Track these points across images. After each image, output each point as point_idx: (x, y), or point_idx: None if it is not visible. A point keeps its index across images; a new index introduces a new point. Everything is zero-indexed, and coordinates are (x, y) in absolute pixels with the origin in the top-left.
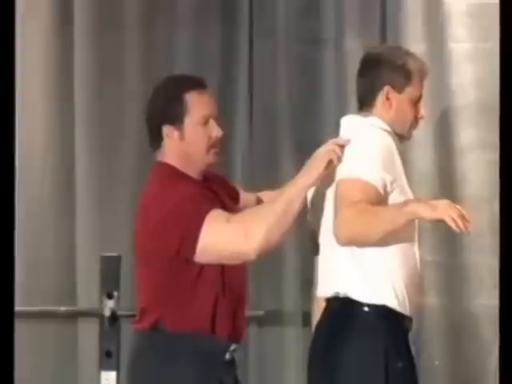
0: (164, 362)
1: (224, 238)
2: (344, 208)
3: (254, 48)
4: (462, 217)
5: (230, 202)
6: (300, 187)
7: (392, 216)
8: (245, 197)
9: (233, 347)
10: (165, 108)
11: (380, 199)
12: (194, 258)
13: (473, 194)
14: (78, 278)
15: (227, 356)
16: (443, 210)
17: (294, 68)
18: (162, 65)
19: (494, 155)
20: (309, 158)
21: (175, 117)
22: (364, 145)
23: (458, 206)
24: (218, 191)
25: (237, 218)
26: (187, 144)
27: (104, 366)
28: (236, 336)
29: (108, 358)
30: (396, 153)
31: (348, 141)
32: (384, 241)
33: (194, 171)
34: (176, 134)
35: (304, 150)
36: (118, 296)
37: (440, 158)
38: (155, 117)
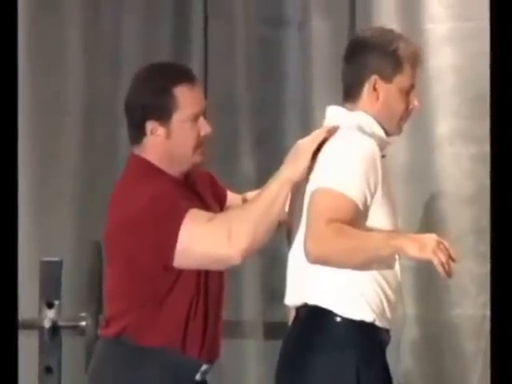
0: (125, 375)
1: (205, 240)
2: (320, 224)
3: (209, 27)
4: (450, 259)
5: (214, 204)
6: (283, 182)
7: (375, 246)
8: (232, 198)
9: (204, 367)
10: (151, 102)
11: (358, 214)
12: (171, 263)
13: (452, 191)
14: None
15: (197, 377)
16: (432, 251)
17: (254, 50)
18: (110, 44)
19: (477, 148)
20: (270, 150)
21: (162, 112)
22: (346, 153)
23: (445, 243)
24: (201, 191)
25: (219, 218)
26: (173, 143)
27: (44, 382)
28: (209, 355)
29: (48, 375)
30: (379, 160)
31: (337, 128)
32: (360, 268)
33: (175, 170)
34: (161, 131)
35: (265, 140)
36: (60, 305)
37: (415, 151)
38: (138, 110)
